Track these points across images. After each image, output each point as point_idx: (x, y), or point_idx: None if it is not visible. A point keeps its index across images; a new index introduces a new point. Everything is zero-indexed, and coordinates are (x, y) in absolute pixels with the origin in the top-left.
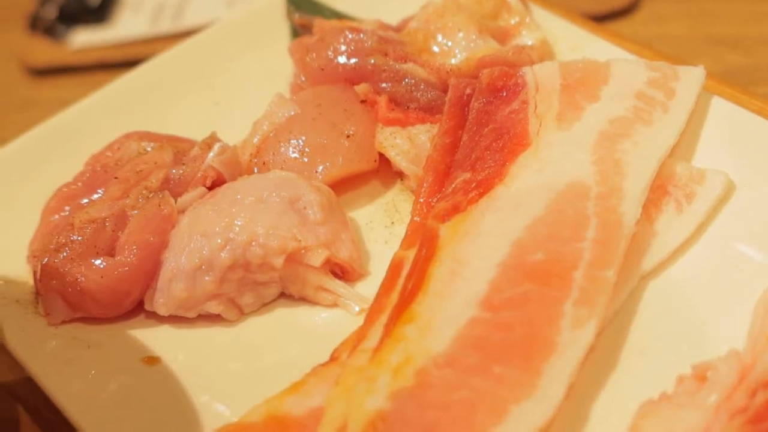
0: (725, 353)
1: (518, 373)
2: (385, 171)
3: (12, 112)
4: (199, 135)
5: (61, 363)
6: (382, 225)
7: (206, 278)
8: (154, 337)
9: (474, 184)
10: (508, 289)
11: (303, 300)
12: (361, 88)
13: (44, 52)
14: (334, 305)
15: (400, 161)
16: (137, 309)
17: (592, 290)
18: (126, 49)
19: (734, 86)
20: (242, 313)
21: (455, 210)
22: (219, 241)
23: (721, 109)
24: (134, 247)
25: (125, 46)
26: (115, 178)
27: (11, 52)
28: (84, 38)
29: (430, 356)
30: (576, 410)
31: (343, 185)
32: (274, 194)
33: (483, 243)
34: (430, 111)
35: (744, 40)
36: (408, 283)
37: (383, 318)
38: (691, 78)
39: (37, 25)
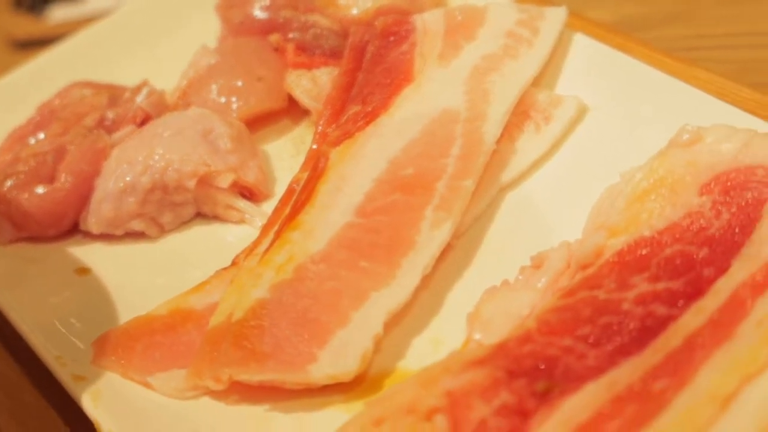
0: (557, 245)
1: (380, 267)
2: (295, 110)
3: None
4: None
5: (9, 277)
6: (289, 155)
7: (130, 199)
8: (88, 253)
9: (363, 115)
10: (380, 198)
11: (216, 218)
12: (273, 38)
13: (27, 27)
14: (242, 221)
15: (303, 98)
16: (74, 229)
17: (451, 197)
18: None
19: (602, 27)
20: (163, 231)
21: (345, 136)
22: (140, 167)
23: (584, 45)
24: (70, 175)
25: (98, 19)
26: (58, 119)
27: None
28: (62, 14)
29: (308, 255)
30: (432, 299)
31: (258, 122)
32: (190, 128)
33: (365, 163)
34: (333, 56)
35: None
36: (300, 198)
37: (276, 227)
38: (554, 17)
39: (21, 3)
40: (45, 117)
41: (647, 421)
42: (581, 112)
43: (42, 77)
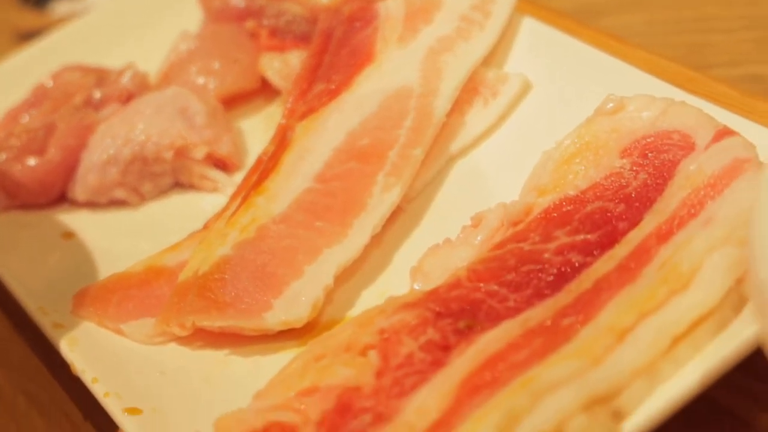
0: (494, 206)
1: (334, 226)
2: (268, 91)
3: None
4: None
5: (2, 241)
6: (261, 131)
7: (113, 170)
8: (74, 219)
9: (327, 92)
10: (337, 166)
11: (192, 187)
12: (249, 24)
13: (32, 21)
14: (215, 190)
15: (275, 79)
16: (62, 198)
17: (402, 164)
18: None
19: (552, 12)
20: (143, 199)
21: (310, 112)
22: (122, 141)
23: (532, 28)
24: (59, 149)
25: None
26: (49, 99)
27: (5, 25)
28: (65, 8)
29: (270, 217)
30: (381, 256)
31: (234, 102)
32: (168, 105)
33: (326, 135)
34: (304, 40)
35: None
36: (266, 167)
37: (244, 194)
38: (504, 2)
39: None
40: (38, 97)
41: (552, 350)
42: (526, 89)
43: (38, 63)
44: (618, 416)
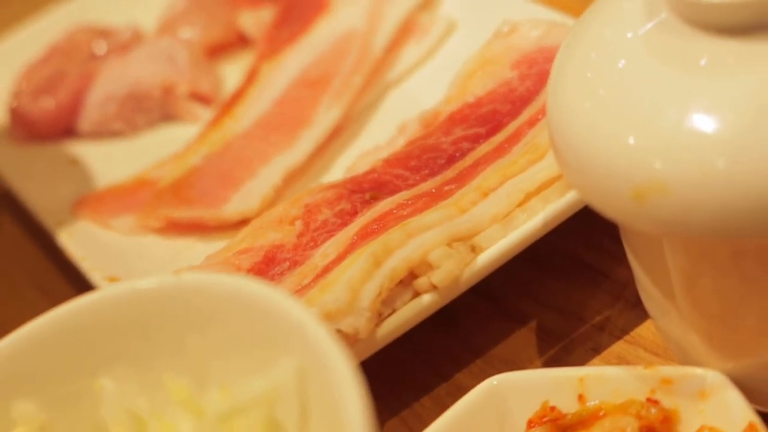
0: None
1: (285, 139)
2: (245, 43)
3: None
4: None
5: (20, 166)
6: (237, 74)
7: (112, 106)
8: (79, 148)
9: (289, 37)
10: (292, 93)
11: (178, 120)
12: None
13: None
14: (197, 122)
15: (250, 31)
16: (69, 132)
17: (343, 89)
18: None
19: None
20: (137, 130)
21: (274, 53)
22: (120, 83)
23: None
24: (68, 92)
25: None
26: (61, 53)
27: None
28: None
29: (235, 134)
30: (323, 164)
31: (216, 51)
32: (159, 54)
33: (285, 71)
34: None
35: None
36: (235, 98)
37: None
38: None
39: None
40: (53, 52)
41: (430, 207)
42: (452, 28)
43: (55, 25)
44: (474, 249)
